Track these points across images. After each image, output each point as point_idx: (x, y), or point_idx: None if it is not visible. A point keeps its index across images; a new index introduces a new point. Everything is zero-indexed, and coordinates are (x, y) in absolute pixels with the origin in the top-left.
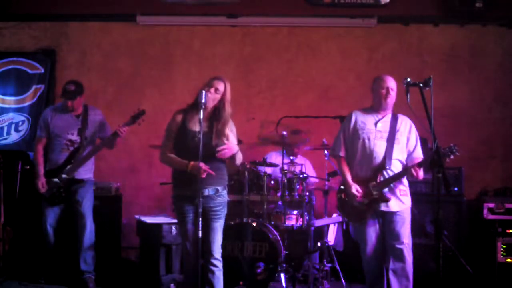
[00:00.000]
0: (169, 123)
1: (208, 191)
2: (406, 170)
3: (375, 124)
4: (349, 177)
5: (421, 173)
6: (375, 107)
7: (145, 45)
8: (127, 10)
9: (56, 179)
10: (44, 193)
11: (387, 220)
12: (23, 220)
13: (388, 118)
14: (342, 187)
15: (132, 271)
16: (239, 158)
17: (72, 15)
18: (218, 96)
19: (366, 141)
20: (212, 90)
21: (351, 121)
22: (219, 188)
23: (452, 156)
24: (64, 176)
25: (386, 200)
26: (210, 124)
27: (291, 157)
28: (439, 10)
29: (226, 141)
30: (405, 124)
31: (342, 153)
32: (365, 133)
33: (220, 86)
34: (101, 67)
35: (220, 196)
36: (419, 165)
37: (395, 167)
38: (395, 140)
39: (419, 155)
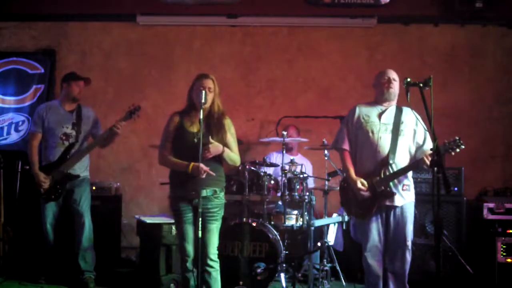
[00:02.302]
0: (166, 124)
1: (205, 192)
2: (418, 162)
3: (379, 116)
4: (353, 172)
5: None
6: (378, 100)
7: (145, 45)
8: (127, 10)
9: (52, 174)
10: (40, 188)
11: (390, 215)
12: (23, 220)
13: (392, 109)
14: (344, 183)
15: (132, 271)
16: (230, 160)
17: (72, 15)
18: (212, 95)
19: (370, 134)
20: (206, 90)
21: (354, 114)
22: (216, 189)
23: (458, 150)
24: (60, 171)
25: (391, 195)
26: (207, 124)
27: (291, 157)
28: (439, 10)
29: (211, 141)
30: (410, 116)
31: (346, 146)
32: (369, 126)
33: (211, 85)
34: (101, 67)
35: (217, 198)
36: (431, 150)
37: (400, 160)
38: (400, 132)
39: (429, 146)
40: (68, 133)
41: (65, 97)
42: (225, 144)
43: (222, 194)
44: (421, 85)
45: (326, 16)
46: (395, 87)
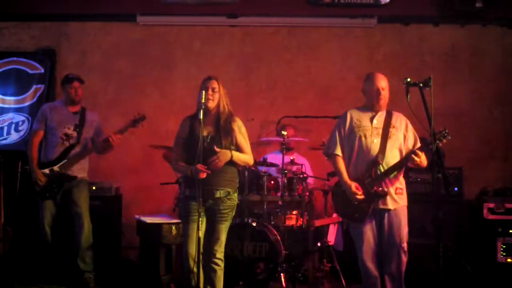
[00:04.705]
0: (178, 130)
1: (219, 193)
2: (407, 158)
3: (371, 120)
4: (346, 177)
5: (423, 158)
6: (368, 106)
7: (145, 45)
8: (127, 10)
9: (49, 173)
10: (35, 186)
11: (384, 218)
12: (23, 220)
13: (383, 114)
14: (337, 189)
15: (132, 271)
16: (242, 162)
17: (72, 15)
18: (217, 95)
19: (363, 138)
20: (210, 91)
21: (346, 119)
22: (230, 190)
23: (444, 140)
24: (56, 170)
25: (384, 194)
26: (216, 128)
27: (291, 157)
28: (439, 10)
29: (217, 150)
30: (400, 121)
31: (338, 152)
32: (361, 130)
33: (215, 85)
34: (101, 67)
35: (230, 199)
36: (420, 149)
37: (390, 161)
38: (389, 134)
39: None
40: (69, 133)
41: (66, 99)
42: (236, 146)
43: (235, 195)
44: (421, 85)
45: (326, 16)
46: (385, 97)
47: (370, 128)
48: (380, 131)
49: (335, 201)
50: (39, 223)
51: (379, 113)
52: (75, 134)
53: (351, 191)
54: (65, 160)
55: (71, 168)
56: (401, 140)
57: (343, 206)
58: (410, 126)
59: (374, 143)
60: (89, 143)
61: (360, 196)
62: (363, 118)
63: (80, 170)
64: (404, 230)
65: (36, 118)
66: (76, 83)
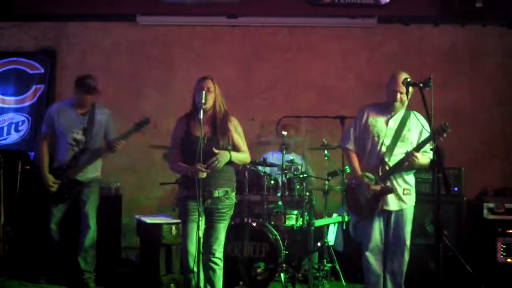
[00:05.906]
0: (174, 130)
1: (217, 193)
2: (404, 158)
3: (387, 122)
4: (358, 170)
5: (419, 156)
6: (388, 104)
7: (145, 45)
8: (127, 10)
9: (60, 178)
10: (48, 191)
11: (391, 216)
12: (23, 220)
13: (400, 114)
14: (353, 184)
15: (132, 271)
16: (240, 161)
17: (72, 15)
18: (213, 95)
19: (376, 138)
20: (205, 90)
21: (363, 117)
22: (228, 189)
23: (445, 135)
24: (68, 176)
25: (391, 191)
26: (213, 128)
27: (291, 157)
28: (439, 10)
29: (216, 151)
30: (416, 124)
31: (350, 146)
32: (375, 130)
33: (210, 84)
34: (101, 67)
35: (228, 198)
36: (416, 149)
37: (397, 160)
38: (401, 136)
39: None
40: (78, 139)
41: (76, 101)
42: (233, 145)
43: (233, 195)
44: (421, 85)
45: (326, 16)
46: (404, 98)
47: (384, 130)
48: (393, 132)
49: (349, 197)
50: (40, 223)
51: (397, 114)
52: (83, 139)
53: (364, 183)
54: (76, 165)
55: (83, 170)
56: (413, 142)
57: (356, 201)
58: (426, 129)
59: (385, 144)
60: (103, 144)
61: (375, 187)
62: (379, 118)
63: (92, 170)
64: (409, 228)
65: (44, 121)
66: (89, 98)
